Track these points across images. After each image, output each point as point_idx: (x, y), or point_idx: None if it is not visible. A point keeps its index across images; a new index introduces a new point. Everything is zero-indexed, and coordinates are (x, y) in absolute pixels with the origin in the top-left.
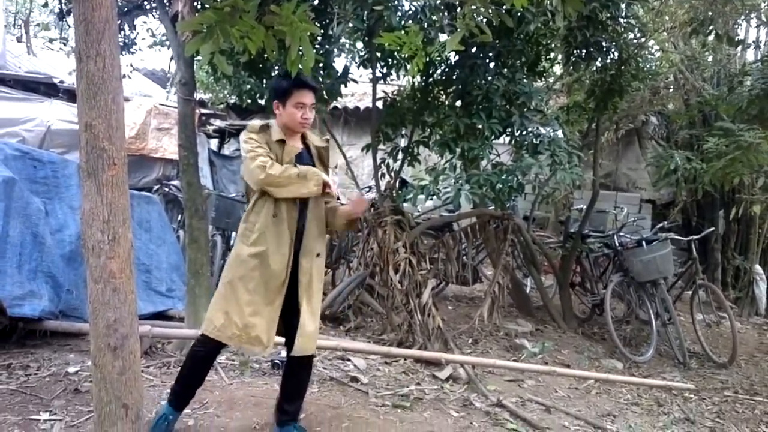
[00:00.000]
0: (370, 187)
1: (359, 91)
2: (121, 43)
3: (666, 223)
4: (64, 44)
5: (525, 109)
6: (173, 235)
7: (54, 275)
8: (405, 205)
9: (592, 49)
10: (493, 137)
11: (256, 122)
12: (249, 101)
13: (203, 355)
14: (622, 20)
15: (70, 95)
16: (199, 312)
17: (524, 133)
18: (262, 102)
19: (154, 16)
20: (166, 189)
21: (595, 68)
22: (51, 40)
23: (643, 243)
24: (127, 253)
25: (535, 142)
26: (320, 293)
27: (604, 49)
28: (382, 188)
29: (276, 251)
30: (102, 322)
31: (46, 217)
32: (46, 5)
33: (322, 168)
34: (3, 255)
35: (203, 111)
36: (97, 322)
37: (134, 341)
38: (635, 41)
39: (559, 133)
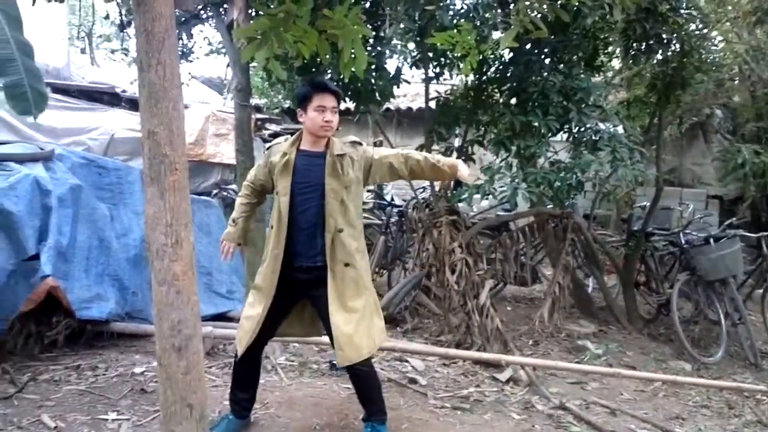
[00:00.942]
0: (424, 188)
1: (411, 91)
2: (180, 52)
3: (734, 219)
4: (126, 54)
5: (583, 105)
6: None
7: (120, 278)
8: (460, 204)
9: (652, 42)
10: (550, 134)
11: (278, 139)
12: None
13: (238, 360)
14: (682, 11)
15: (132, 104)
16: None
17: (582, 129)
18: None
19: (210, 24)
20: (225, 193)
21: (655, 61)
22: (113, 51)
23: (711, 240)
24: (189, 255)
25: (594, 138)
26: (363, 298)
27: (665, 41)
28: (437, 188)
29: (270, 262)
30: (166, 324)
31: (112, 222)
32: (107, 17)
33: (335, 180)
34: (71, 260)
35: (259, 116)
36: (161, 324)
37: (197, 342)
38: (697, 32)
39: (620, 129)
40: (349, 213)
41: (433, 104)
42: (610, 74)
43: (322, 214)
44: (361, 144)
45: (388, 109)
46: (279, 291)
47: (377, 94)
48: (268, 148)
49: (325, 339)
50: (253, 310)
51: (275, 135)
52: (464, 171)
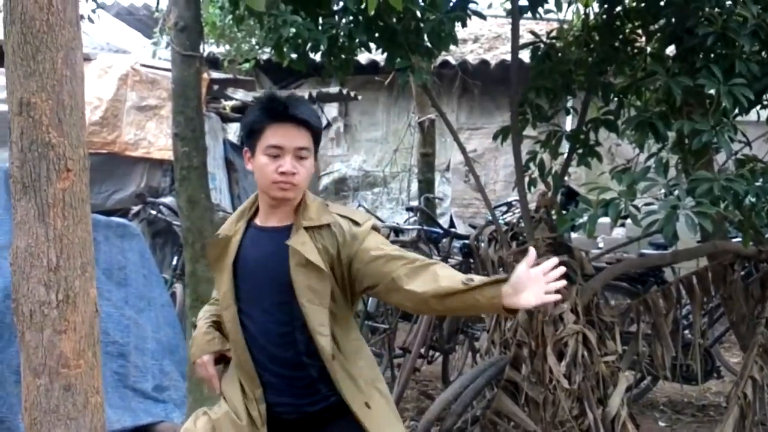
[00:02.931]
0: (509, 204)
1: (488, 34)
2: None
3: None
4: None
5: None
6: (165, 291)
7: None
8: (574, 235)
9: None
10: (736, 111)
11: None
12: (295, 57)
13: None
14: None
15: None
16: None
17: None
18: (317, 57)
19: None
20: (153, 211)
21: None
22: None
23: None
24: (88, 323)
25: None
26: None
27: None
28: (532, 206)
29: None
30: None
31: None
32: None
33: (308, 273)
34: None
35: (216, 75)
36: None
37: None
38: None
39: None
40: (341, 323)
41: (526, 56)
42: None
43: (298, 332)
44: (359, 224)
45: (445, 64)
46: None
47: (426, 39)
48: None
49: None
50: None
51: (245, 110)
52: (526, 298)
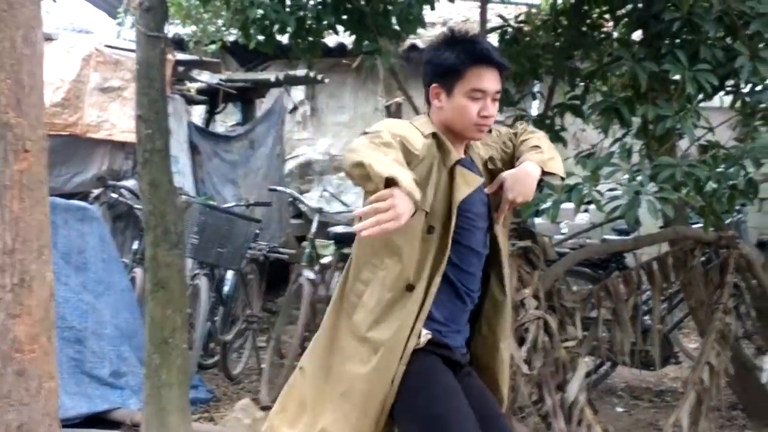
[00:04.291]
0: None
1: (456, 17)
2: None
3: None
4: None
5: (761, 45)
6: (125, 276)
7: None
8: (538, 221)
9: None
10: (700, 97)
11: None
12: (262, 39)
13: None
14: None
15: None
16: (167, 414)
17: (759, 88)
18: (284, 39)
19: None
20: (114, 195)
21: None
22: None
23: None
24: (43, 308)
25: None
26: None
27: None
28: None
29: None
30: None
31: None
32: None
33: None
34: None
35: (181, 57)
36: None
37: None
38: None
39: None
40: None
41: (494, 40)
42: None
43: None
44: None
45: (413, 47)
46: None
47: (394, 22)
48: (425, 135)
49: None
50: None
51: (210, 92)
52: (556, 164)
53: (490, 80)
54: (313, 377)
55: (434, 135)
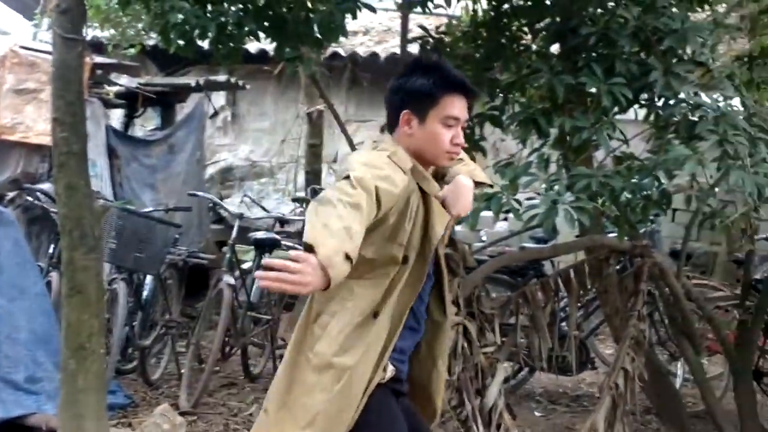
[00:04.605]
0: None
1: (378, 27)
2: None
3: None
4: None
5: (674, 61)
6: (40, 280)
7: None
8: (458, 228)
9: None
10: (615, 109)
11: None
12: (182, 43)
13: None
14: None
15: None
16: (84, 419)
17: (672, 102)
18: (205, 45)
19: None
20: (30, 198)
21: None
22: None
23: None
24: None
25: (691, 118)
26: None
27: None
28: None
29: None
30: None
31: None
32: None
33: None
34: None
35: (99, 60)
36: None
37: None
38: None
39: (735, 103)
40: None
41: (415, 50)
42: (721, 8)
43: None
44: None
45: (335, 56)
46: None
47: (316, 30)
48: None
49: None
50: None
51: (129, 96)
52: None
53: (462, 108)
54: (275, 416)
55: (413, 169)
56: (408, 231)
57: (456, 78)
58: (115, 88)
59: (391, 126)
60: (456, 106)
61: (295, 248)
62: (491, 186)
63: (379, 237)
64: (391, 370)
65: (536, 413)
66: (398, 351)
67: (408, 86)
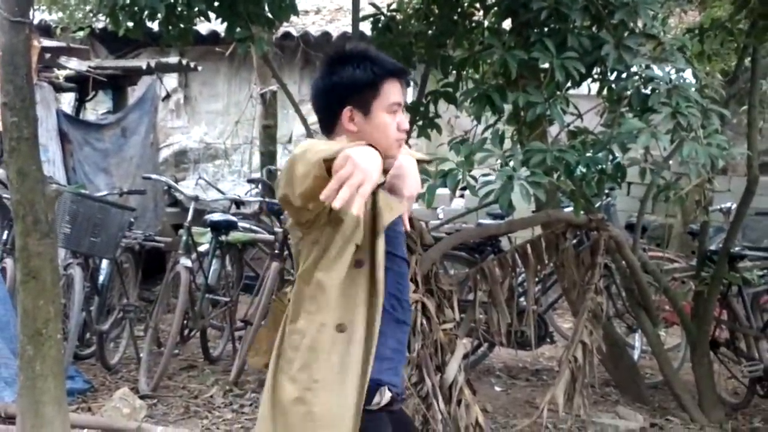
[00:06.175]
0: None
1: (329, 5)
2: None
3: None
4: None
5: (625, 34)
6: None
7: None
8: (415, 206)
9: None
10: (569, 84)
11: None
12: (131, 25)
13: None
14: None
15: None
16: (43, 405)
17: (624, 76)
18: (154, 26)
19: None
20: None
21: None
22: None
23: None
24: None
25: (643, 91)
26: None
27: None
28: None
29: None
30: None
31: None
32: None
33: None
34: None
35: (48, 43)
36: None
37: None
38: None
39: (687, 76)
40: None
41: (367, 28)
42: None
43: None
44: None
45: (287, 35)
46: None
47: (267, 10)
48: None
49: None
50: None
51: (79, 80)
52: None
53: (401, 92)
54: None
55: None
56: (362, 232)
57: (391, 63)
58: (64, 72)
59: (327, 128)
60: (397, 92)
61: (252, 230)
62: (429, 162)
63: (340, 237)
64: (387, 396)
65: (496, 388)
66: (386, 357)
67: (345, 81)
